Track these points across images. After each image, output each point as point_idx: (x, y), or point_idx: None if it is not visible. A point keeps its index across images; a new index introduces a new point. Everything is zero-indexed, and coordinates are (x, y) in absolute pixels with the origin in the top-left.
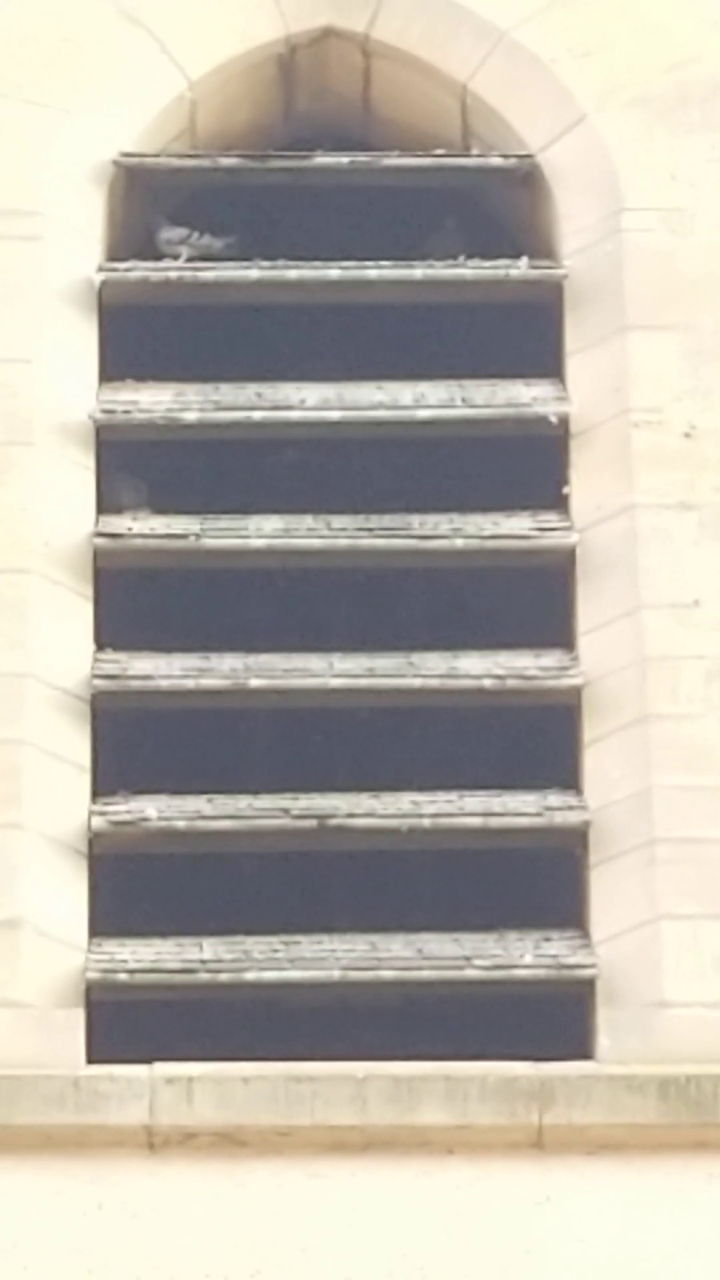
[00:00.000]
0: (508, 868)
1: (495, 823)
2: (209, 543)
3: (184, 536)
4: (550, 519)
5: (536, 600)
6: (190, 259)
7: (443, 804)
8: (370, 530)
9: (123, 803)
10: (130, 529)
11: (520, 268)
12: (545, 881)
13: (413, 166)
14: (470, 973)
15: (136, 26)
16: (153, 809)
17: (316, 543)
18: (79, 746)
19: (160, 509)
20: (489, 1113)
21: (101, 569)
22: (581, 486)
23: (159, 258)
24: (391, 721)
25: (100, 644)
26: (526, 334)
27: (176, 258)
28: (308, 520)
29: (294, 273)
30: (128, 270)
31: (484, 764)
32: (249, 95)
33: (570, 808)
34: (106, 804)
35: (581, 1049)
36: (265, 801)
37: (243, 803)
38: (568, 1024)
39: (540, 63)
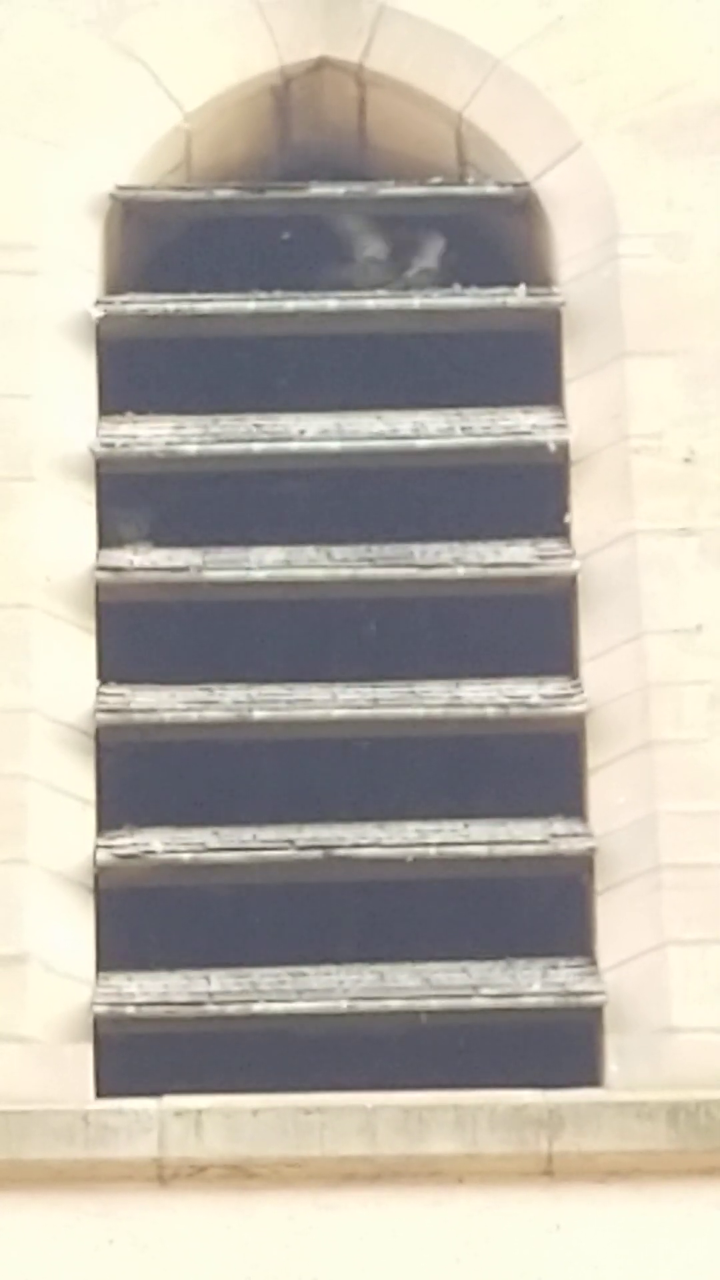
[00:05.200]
0: (514, 896)
1: (500, 851)
2: (210, 575)
3: (185, 569)
4: (551, 546)
5: (539, 628)
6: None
7: (448, 833)
8: (372, 560)
9: (128, 836)
10: (132, 562)
11: (518, 295)
12: (551, 909)
13: (408, 196)
14: (478, 1001)
15: (130, 59)
16: (158, 842)
17: (318, 573)
18: (83, 780)
19: (161, 542)
20: (498, 1141)
21: (103, 603)
22: (582, 513)
23: (158, 290)
24: (395, 751)
25: (103, 678)
26: (525, 361)
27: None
28: (309, 551)
29: (291, 304)
30: (125, 303)
31: (488, 792)
32: (244, 127)
33: (575, 835)
34: (111, 838)
35: (590, 1076)
36: (270, 833)
37: (248, 834)
38: (576, 1051)
39: (535, 90)
